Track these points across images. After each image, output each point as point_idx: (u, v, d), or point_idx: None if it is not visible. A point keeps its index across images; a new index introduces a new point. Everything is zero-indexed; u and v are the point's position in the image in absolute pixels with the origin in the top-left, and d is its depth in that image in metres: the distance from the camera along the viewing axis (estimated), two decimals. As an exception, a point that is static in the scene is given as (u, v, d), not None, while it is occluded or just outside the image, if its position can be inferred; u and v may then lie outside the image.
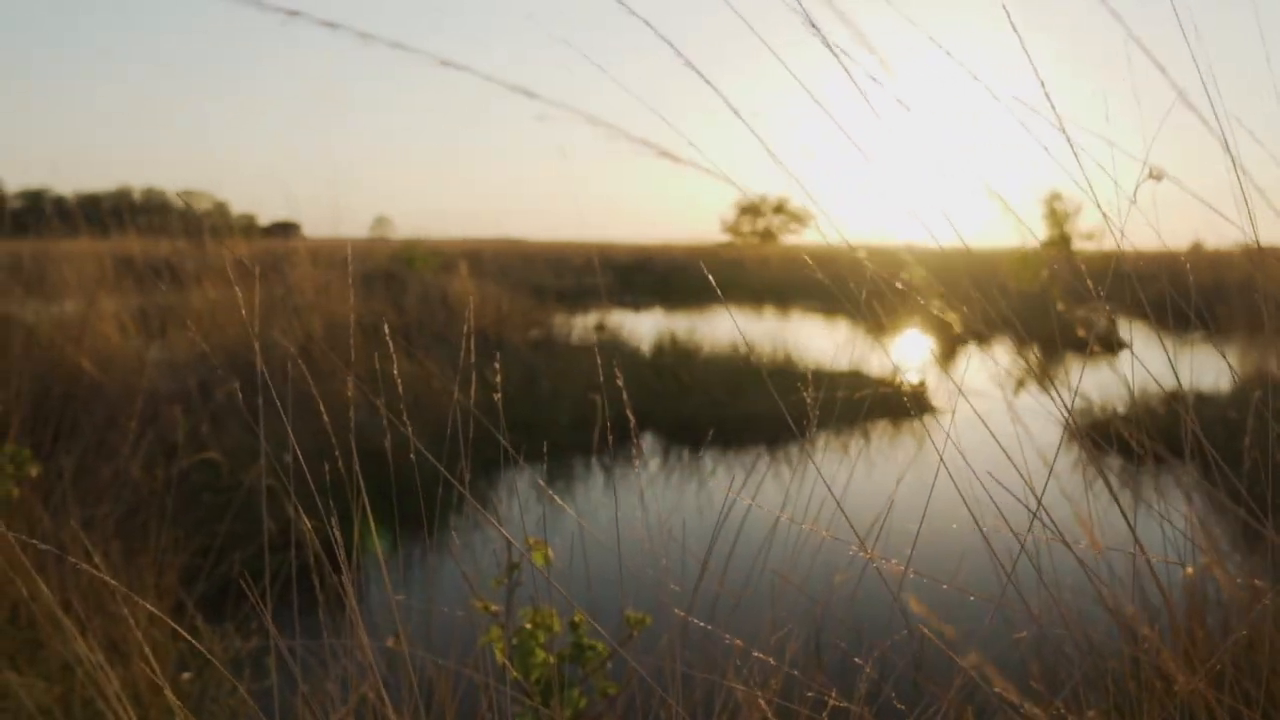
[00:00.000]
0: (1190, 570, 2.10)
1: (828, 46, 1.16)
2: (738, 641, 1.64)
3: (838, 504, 1.43)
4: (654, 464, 6.77)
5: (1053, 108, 1.16)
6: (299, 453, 1.28)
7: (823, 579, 2.25)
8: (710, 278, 1.53)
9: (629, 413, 1.67)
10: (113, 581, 1.41)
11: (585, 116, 1.08)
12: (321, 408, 1.47)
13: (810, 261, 1.53)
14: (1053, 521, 1.37)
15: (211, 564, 3.22)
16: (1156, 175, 1.16)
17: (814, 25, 1.13)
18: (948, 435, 1.39)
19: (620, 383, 1.70)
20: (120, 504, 3.40)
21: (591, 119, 1.09)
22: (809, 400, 1.49)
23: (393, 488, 1.62)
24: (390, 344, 1.64)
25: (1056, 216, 25.52)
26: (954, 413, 1.57)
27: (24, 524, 2.98)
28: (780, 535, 1.93)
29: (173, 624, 1.16)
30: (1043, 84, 1.13)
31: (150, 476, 3.68)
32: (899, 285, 1.55)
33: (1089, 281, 1.48)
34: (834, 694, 1.52)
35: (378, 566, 3.91)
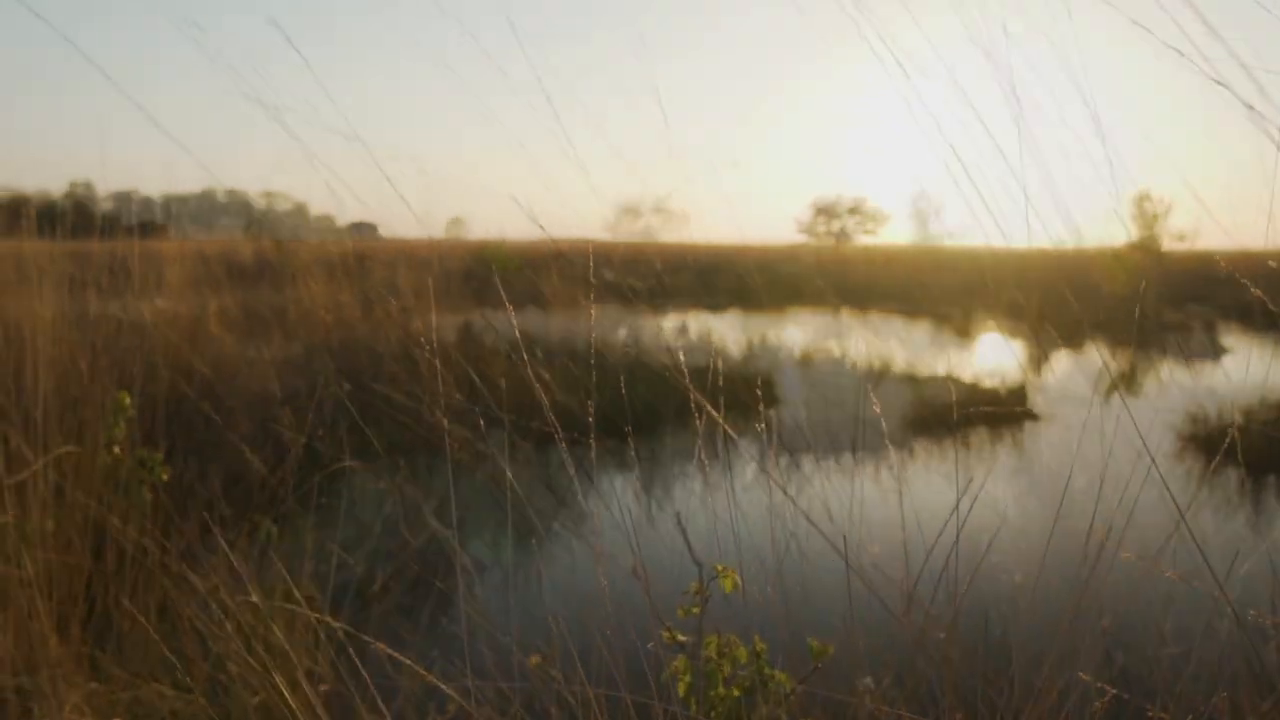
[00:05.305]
0: None
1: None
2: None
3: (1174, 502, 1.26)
4: (750, 470, 6.61)
5: None
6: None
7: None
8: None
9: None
10: (298, 585, 1.31)
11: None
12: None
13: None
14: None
15: (359, 579, 3.15)
16: None
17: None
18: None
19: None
20: (249, 510, 3.36)
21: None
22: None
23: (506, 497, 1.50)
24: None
25: (1146, 218, 24.59)
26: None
27: (158, 529, 2.94)
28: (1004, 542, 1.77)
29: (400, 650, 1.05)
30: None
31: (274, 481, 3.63)
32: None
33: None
34: None
35: (504, 575, 3.82)
